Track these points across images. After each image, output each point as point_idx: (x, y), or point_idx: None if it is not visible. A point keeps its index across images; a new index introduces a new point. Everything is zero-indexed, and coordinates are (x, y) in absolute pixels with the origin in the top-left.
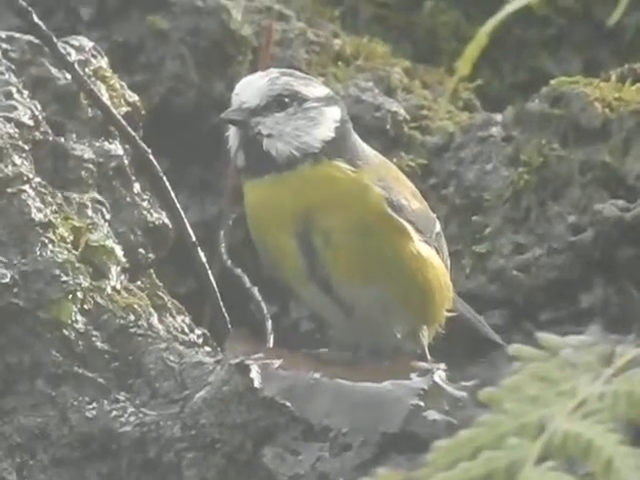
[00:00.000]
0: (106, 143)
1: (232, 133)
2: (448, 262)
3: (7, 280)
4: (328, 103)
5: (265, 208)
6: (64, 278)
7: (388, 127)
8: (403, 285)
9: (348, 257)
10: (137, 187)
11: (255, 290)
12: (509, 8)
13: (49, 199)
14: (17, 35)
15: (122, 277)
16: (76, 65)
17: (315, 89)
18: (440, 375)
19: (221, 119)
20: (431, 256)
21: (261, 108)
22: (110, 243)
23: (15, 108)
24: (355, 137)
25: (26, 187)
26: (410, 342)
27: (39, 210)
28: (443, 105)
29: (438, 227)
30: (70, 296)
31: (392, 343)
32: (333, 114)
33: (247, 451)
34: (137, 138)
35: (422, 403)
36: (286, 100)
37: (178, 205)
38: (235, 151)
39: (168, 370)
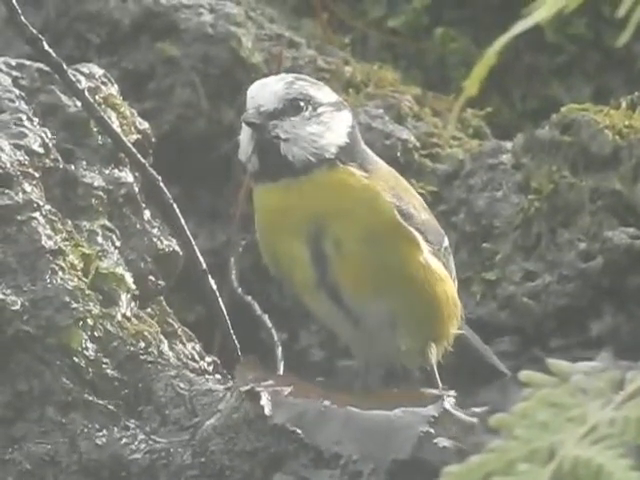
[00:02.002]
0: (116, 170)
1: (245, 137)
2: (456, 282)
3: (17, 307)
4: (339, 108)
5: (279, 213)
6: (74, 305)
7: (398, 154)
8: (411, 297)
9: (358, 266)
10: (147, 214)
11: (265, 317)
12: (517, 29)
13: (59, 226)
14: (27, 62)
15: (132, 304)
16: (86, 92)
17: (327, 94)
18: (450, 401)
19: (243, 121)
20: (439, 269)
21: (278, 112)
22: (120, 270)
23: (25, 135)
24: (363, 142)
25: (36, 214)
26: (419, 359)
27: (49, 237)
28: (451, 127)
29: (446, 242)
30: (80, 323)
31: (400, 357)
32: (345, 119)
33: (257, 478)
34: (147, 165)
35: (432, 430)
36: (301, 104)
37: (188, 232)
38: (249, 155)
39: (178, 397)
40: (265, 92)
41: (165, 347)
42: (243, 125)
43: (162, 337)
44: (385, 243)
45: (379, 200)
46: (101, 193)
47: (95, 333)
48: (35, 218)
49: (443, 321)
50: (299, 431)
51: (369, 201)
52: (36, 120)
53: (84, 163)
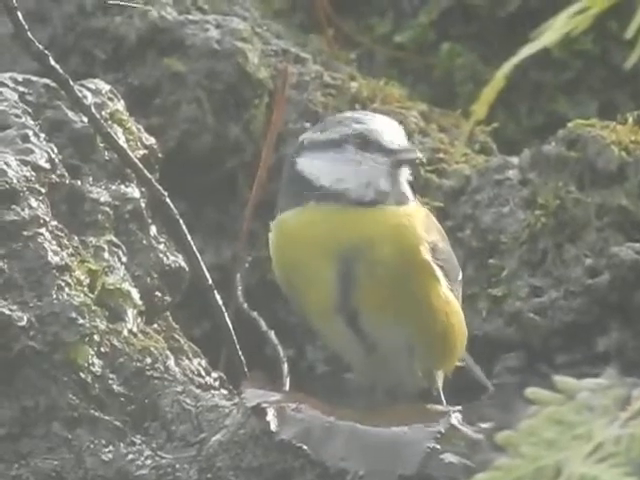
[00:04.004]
0: (122, 186)
1: (377, 167)
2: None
3: (24, 323)
4: None
5: (322, 231)
6: (80, 321)
7: None
8: (429, 326)
9: (385, 291)
10: (153, 230)
11: (271, 333)
12: (525, 52)
13: (65, 242)
14: (34, 78)
15: (138, 320)
16: (92, 108)
17: None
18: (457, 417)
19: (407, 158)
20: (455, 301)
21: None
22: (126, 286)
23: (32, 151)
24: None
25: (42, 230)
26: (425, 384)
27: (55, 253)
28: (460, 149)
29: (460, 276)
30: (86, 339)
31: (409, 384)
32: None
33: None
34: (153, 181)
35: (439, 446)
36: None
37: (194, 248)
38: (374, 183)
39: (184, 413)
40: (402, 132)
41: (171, 363)
42: (368, 154)
43: (168, 353)
44: (412, 274)
45: (415, 231)
46: (107, 209)
47: (101, 349)
48: (41, 234)
49: (455, 351)
50: (305, 447)
51: (408, 231)
52: (42, 136)
53: (90, 179)
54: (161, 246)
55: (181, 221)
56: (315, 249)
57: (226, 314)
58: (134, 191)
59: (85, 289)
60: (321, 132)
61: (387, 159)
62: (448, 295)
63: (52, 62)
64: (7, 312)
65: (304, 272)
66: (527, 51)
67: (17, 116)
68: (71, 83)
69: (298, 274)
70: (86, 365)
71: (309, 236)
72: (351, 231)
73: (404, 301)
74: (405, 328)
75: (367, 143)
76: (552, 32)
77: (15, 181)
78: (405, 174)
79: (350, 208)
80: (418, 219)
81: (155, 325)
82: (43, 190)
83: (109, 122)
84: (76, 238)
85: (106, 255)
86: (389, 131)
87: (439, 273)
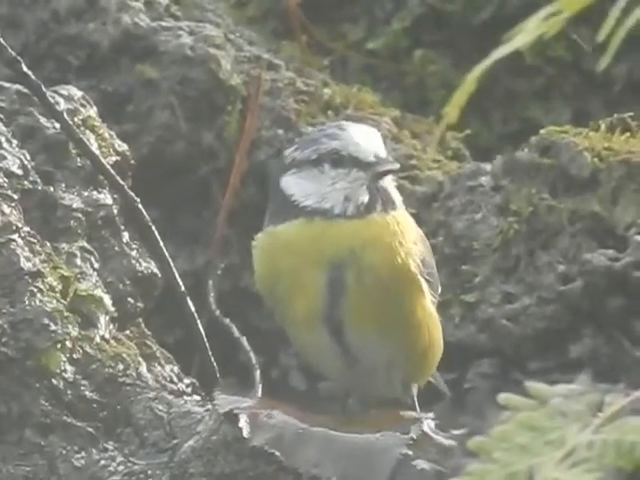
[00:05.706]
0: (95, 192)
1: (354, 181)
2: None
3: None
4: None
5: (314, 241)
6: (53, 327)
7: None
8: (413, 341)
9: (373, 301)
10: (126, 236)
11: (244, 340)
12: (497, 54)
13: (38, 248)
14: (6, 84)
15: (111, 326)
16: (65, 114)
17: None
18: (429, 424)
19: (386, 169)
20: (437, 316)
21: None
22: (99, 292)
23: (4, 157)
24: None
25: (15, 236)
26: (401, 394)
27: (28, 259)
28: (431, 151)
29: (440, 289)
30: (59, 345)
31: (386, 395)
32: None
33: None
34: (126, 187)
35: (411, 452)
36: None
37: (167, 254)
38: (353, 196)
39: (157, 419)
40: (379, 141)
41: (144, 369)
42: (343, 169)
43: (141, 359)
44: (400, 285)
45: (405, 241)
46: (80, 215)
47: (74, 355)
48: (14, 240)
49: (433, 364)
50: (278, 453)
51: (396, 239)
52: (15, 142)
53: (63, 185)
54: (134, 252)
55: (153, 227)
56: (307, 256)
57: (199, 320)
58: (106, 197)
59: (57, 295)
60: (300, 150)
61: (363, 173)
62: (431, 308)
63: (25, 68)
64: None
65: (293, 281)
66: (499, 53)
67: None
68: (44, 89)
69: (285, 283)
70: (58, 371)
71: (302, 244)
72: (341, 239)
73: (390, 312)
74: (389, 341)
75: (341, 159)
76: (524, 34)
77: None
78: (390, 181)
79: (338, 220)
80: (408, 228)
81: (127, 331)
82: (15, 196)
83: (81, 128)
84: (48, 244)
85: (78, 261)
86: (365, 143)
87: (425, 287)
